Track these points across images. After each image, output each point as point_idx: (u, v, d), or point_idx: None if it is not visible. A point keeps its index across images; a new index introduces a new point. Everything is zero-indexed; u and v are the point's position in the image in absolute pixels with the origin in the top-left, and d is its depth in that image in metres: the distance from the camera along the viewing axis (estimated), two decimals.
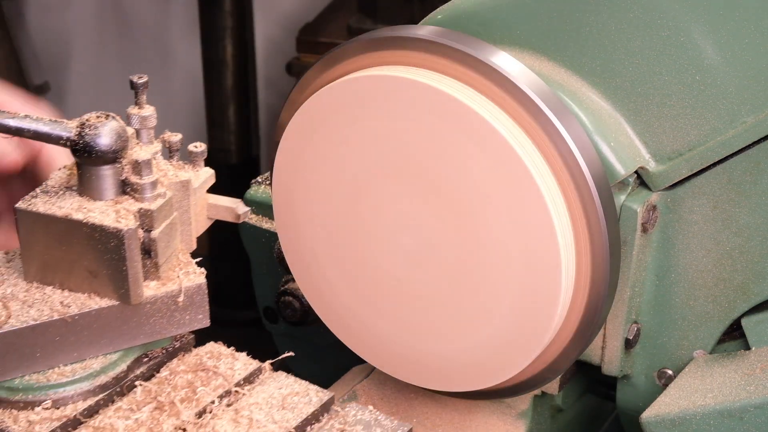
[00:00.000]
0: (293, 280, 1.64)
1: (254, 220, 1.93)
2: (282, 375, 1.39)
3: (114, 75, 4.36)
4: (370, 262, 1.49)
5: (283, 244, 1.58)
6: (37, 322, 1.30)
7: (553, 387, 1.60)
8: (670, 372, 1.52)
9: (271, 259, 1.90)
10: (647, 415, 1.40)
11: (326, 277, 1.54)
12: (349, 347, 1.58)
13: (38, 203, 1.34)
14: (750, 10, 1.35)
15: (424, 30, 1.41)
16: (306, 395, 1.34)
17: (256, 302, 2.01)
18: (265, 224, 1.91)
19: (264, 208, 1.89)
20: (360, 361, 1.66)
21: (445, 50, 1.37)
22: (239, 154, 4.04)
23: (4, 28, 3.94)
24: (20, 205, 1.34)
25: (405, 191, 1.41)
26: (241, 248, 1.95)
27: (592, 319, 1.40)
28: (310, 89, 1.48)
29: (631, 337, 1.50)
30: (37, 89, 4.12)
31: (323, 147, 1.46)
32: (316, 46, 3.46)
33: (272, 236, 1.88)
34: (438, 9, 1.50)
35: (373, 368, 1.64)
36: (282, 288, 1.90)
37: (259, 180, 1.95)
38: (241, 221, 1.45)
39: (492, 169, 1.33)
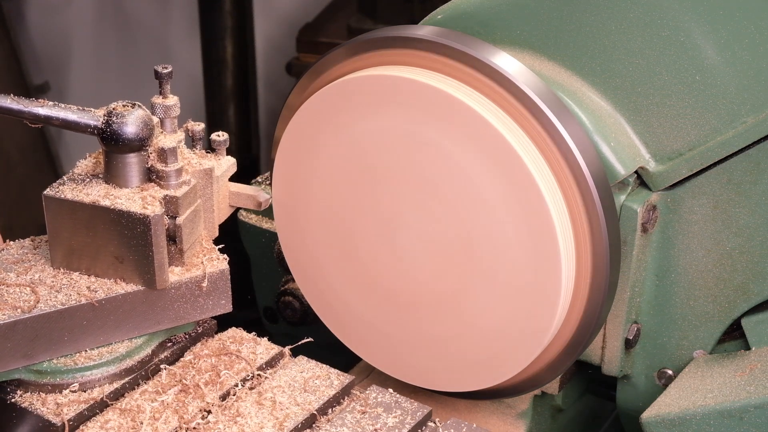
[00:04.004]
0: (293, 280, 1.64)
1: (254, 220, 1.93)
2: (303, 359, 1.41)
3: (114, 75, 4.36)
4: (370, 263, 1.48)
5: (283, 244, 1.58)
6: (65, 306, 1.32)
7: (553, 387, 1.60)
8: (670, 372, 1.52)
9: (271, 259, 1.90)
10: (647, 415, 1.40)
11: (326, 277, 1.54)
12: (349, 347, 1.58)
13: (65, 190, 1.36)
14: (750, 10, 1.34)
15: (424, 30, 1.41)
16: (327, 378, 1.37)
17: (256, 302, 2.01)
18: (265, 224, 1.91)
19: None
20: (359, 360, 1.66)
21: (445, 50, 1.37)
22: (239, 154, 4.03)
23: (4, 28, 3.94)
24: (48, 192, 1.35)
25: (405, 191, 1.41)
26: (241, 248, 1.95)
27: (592, 318, 1.40)
28: (310, 89, 1.48)
29: (631, 337, 1.50)
30: (37, 89, 4.12)
31: (323, 147, 1.46)
32: (316, 46, 3.45)
33: (272, 236, 1.88)
34: (438, 9, 1.50)
35: (373, 368, 1.64)
36: (282, 288, 1.91)
37: (259, 180, 1.95)
38: (263, 208, 1.47)
39: (492, 169, 1.33)
